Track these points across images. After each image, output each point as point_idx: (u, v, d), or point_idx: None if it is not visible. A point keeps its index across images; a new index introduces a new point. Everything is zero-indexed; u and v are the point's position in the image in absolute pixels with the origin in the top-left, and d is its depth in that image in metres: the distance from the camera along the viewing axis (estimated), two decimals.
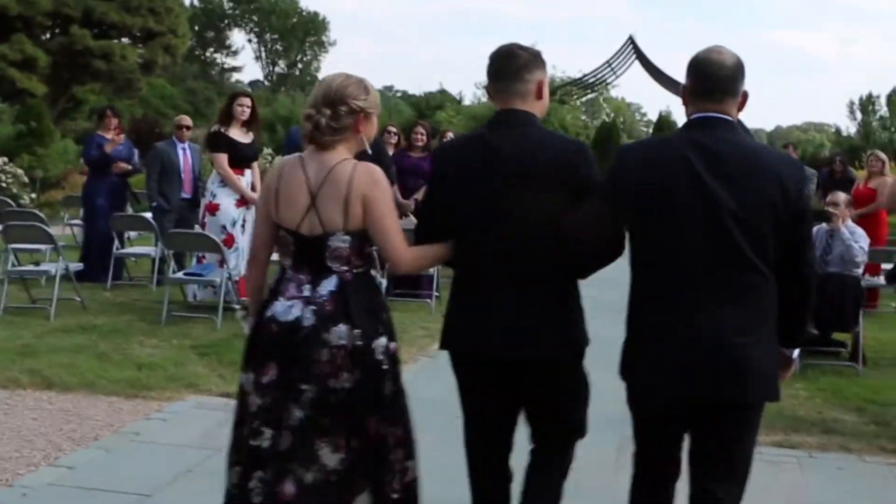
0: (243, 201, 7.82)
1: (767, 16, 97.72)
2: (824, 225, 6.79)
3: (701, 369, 2.57)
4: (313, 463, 2.83)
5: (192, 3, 55.08)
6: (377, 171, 2.92)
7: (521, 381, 2.94)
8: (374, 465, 2.91)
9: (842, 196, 6.93)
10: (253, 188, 7.96)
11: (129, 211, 10.29)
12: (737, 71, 2.71)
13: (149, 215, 9.49)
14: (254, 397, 2.90)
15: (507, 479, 3.11)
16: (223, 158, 7.71)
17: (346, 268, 2.92)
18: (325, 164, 2.90)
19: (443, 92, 23.74)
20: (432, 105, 21.42)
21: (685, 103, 2.75)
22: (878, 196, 9.23)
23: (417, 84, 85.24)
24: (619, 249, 2.85)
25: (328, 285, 2.90)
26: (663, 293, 2.65)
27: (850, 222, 6.84)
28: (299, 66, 63.50)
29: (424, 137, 9.30)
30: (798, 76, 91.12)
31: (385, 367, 2.92)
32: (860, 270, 6.60)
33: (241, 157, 7.81)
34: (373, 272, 3.06)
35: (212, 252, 7.60)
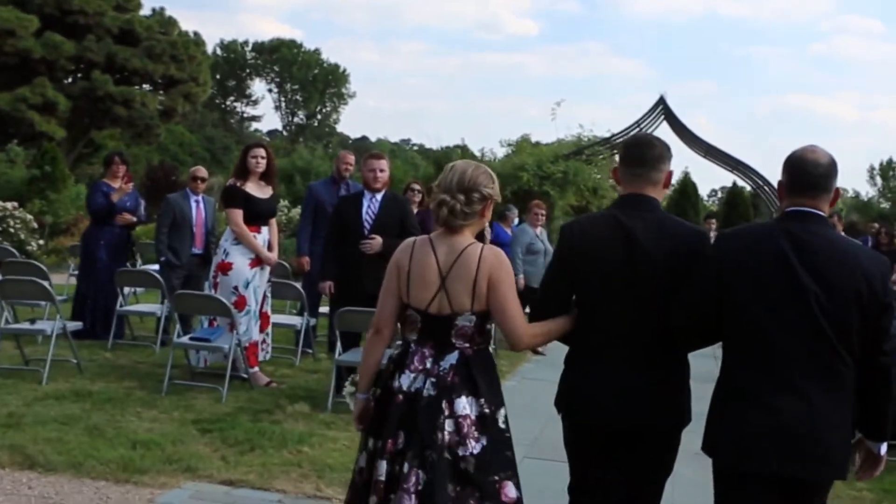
0: (258, 261, 7.26)
1: (783, 79, 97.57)
2: None
3: (783, 445, 2.76)
4: None
5: (214, 52, 55.59)
6: (502, 254, 3.19)
7: (625, 449, 3.14)
8: None
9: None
10: (269, 247, 7.40)
11: (138, 265, 9.76)
12: (830, 169, 2.93)
13: (155, 268, 8.95)
14: (383, 465, 3.07)
15: None
16: (238, 214, 7.16)
17: (468, 344, 3.17)
18: (454, 248, 3.16)
19: (463, 148, 23.39)
20: (453, 160, 21.03)
21: (780, 197, 3.03)
22: None
23: (435, 138, 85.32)
24: (712, 335, 3.04)
25: (450, 359, 3.14)
26: (752, 371, 2.84)
27: None
28: (318, 116, 63.75)
29: None
30: (812, 139, 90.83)
31: (507, 435, 3.15)
32: None
33: (258, 213, 7.26)
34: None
35: (221, 316, 7.02)
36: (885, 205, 38.55)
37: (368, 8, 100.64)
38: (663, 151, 3.25)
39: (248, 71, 61.93)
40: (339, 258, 6.90)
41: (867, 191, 41.49)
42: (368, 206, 6.88)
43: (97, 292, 8.75)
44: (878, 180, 41.29)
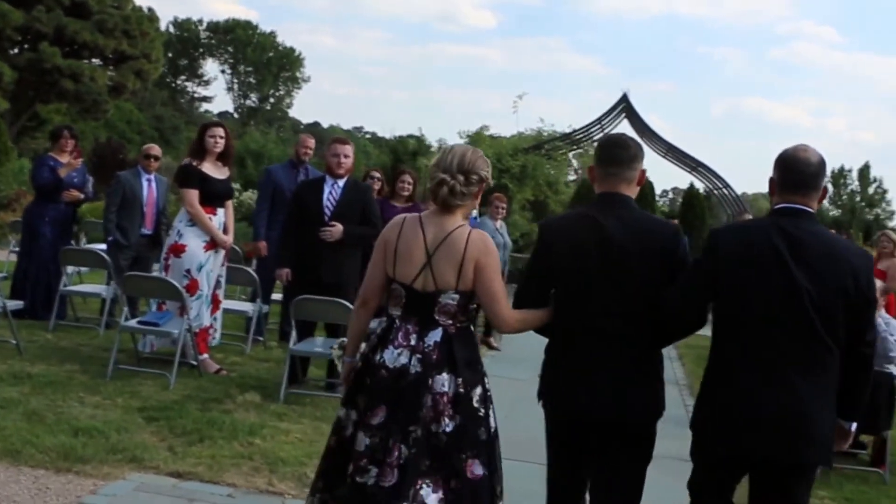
0: (212, 244, 7.00)
1: (740, 82, 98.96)
2: None
3: (769, 431, 2.92)
4: (416, 501, 3.06)
5: (167, 29, 54.46)
6: (489, 239, 3.31)
7: (603, 438, 3.22)
8: None
9: (878, 283, 6.27)
10: (225, 230, 7.15)
11: (82, 243, 9.40)
12: (820, 168, 3.08)
13: (101, 247, 8.62)
14: (362, 436, 3.17)
15: None
16: (194, 195, 6.89)
17: (451, 322, 3.26)
18: (443, 228, 3.26)
19: (417, 138, 23.17)
20: (409, 150, 20.80)
21: (771, 193, 3.14)
22: (888, 279, 8.65)
23: (389, 127, 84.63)
24: (701, 323, 3.21)
25: (434, 336, 3.23)
26: (742, 360, 2.99)
27: (884, 312, 6.19)
28: (271, 100, 62.86)
29: (411, 187, 8.57)
30: (765, 143, 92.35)
31: (481, 413, 3.23)
32: (894, 367, 5.92)
33: (214, 195, 7.00)
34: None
35: (172, 299, 6.76)
36: (836, 212, 39.23)
37: None
38: (637, 152, 3.37)
39: (201, 50, 60.74)
40: (297, 245, 6.70)
41: None
42: (330, 193, 6.69)
43: (39, 270, 8.38)
44: (830, 188, 42.06)
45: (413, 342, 3.24)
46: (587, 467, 3.35)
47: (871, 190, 37.36)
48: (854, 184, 38.37)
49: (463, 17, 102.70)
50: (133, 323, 6.79)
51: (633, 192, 3.33)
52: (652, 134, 20.16)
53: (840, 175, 41.39)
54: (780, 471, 3.01)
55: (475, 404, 3.23)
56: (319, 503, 3.35)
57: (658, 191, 37.50)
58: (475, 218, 11.01)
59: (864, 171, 38.97)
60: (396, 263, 3.31)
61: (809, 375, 2.95)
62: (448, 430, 3.15)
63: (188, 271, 6.87)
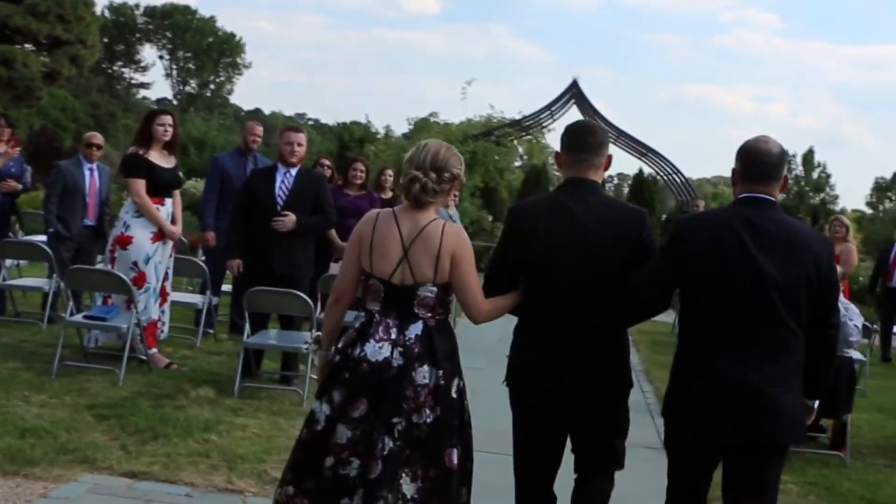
0: (160, 235, 6.79)
1: (683, 69, 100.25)
2: None
3: (742, 414, 3.00)
4: (396, 491, 3.15)
5: (103, 14, 53.13)
6: (463, 232, 3.39)
7: (577, 416, 3.31)
8: (447, 494, 3.23)
9: (837, 269, 6.35)
10: (173, 220, 6.94)
11: (20, 235, 9.08)
12: (781, 158, 3.18)
13: (41, 239, 8.32)
14: (343, 429, 3.21)
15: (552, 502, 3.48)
16: (141, 185, 6.67)
17: (430, 314, 3.31)
18: (418, 222, 3.30)
19: (358, 124, 22.98)
20: (356, 137, 20.60)
21: (734, 183, 3.23)
22: (842, 264, 8.80)
23: (333, 113, 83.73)
24: (666, 306, 3.32)
25: (415, 329, 3.27)
26: (711, 346, 3.07)
27: (842, 297, 6.26)
28: (211, 87, 61.80)
29: (364, 175, 8.44)
30: (708, 129, 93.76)
31: (459, 403, 3.32)
32: (853, 351, 6.00)
33: (161, 184, 6.79)
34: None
35: (119, 293, 6.54)
36: (781, 196, 39.95)
37: None
38: (604, 138, 3.48)
39: (138, 35, 59.35)
40: (248, 235, 6.54)
41: None
42: (282, 181, 6.54)
43: None
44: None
45: (394, 336, 3.27)
46: (558, 445, 3.42)
47: (814, 175, 38.11)
48: (798, 169, 39.01)
49: (405, 3, 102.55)
50: (78, 318, 6.57)
51: (599, 177, 3.42)
52: (602, 120, 20.28)
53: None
54: (753, 452, 3.09)
55: (453, 395, 3.30)
56: (285, 496, 3.34)
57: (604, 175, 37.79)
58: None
59: (809, 156, 39.62)
60: (373, 258, 3.34)
61: (776, 358, 3.03)
62: (429, 421, 3.22)
63: (135, 263, 6.66)
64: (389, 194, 9.50)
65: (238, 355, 6.41)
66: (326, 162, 9.17)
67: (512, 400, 3.44)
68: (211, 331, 8.14)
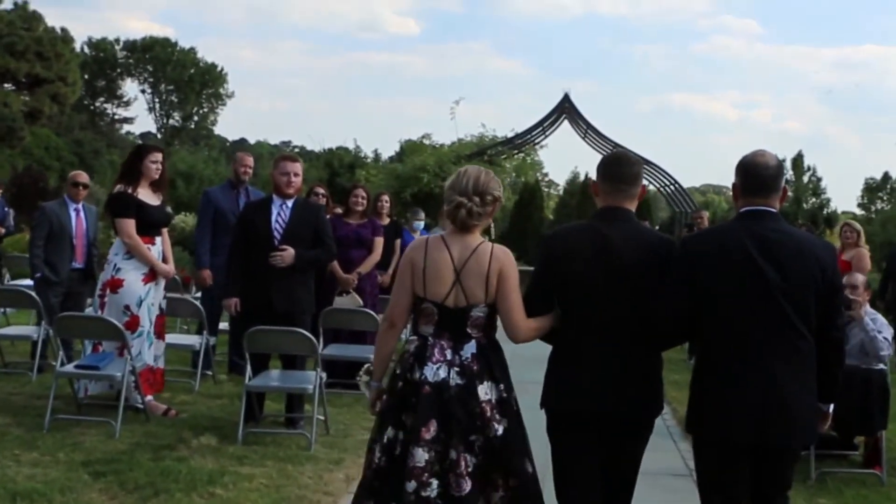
0: (152, 275, 6.48)
1: (664, 78, 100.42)
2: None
3: (756, 420, 3.14)
4: (487, 502, 3.35)
5: (82, 50, 52.81)
6: (510, 253, 3.56)
7: (615, 435, 3.43)
8: (528, 500, 3.39)
9: (860, 278, 6.08)
10: (164, 259, 6.63)
11: (6, 280, 8.74)
12: (779, 171, 3.34)
13: (28, 284, 7.99)
14: (420, 452, 3.33)
15: None
16: (130, 225, 6.36)
17: (481, 333, 3.50)
18: (468, 245, 3.49)
19: (345, 149, 22.72)
20: (345, 163, 20.32)
21: (736, 198, 3.41)
22: (853, 269, 8.54)
23: (318, 140, 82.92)
24: (688, 335, 3.54)
25: (469, 349, 3.45)
26: (727, 355, 3.22)
27: (869, 308, 5.99)
28: (195, 118, 61.50)
29: (365, 202, 8.15)
30: (694, 138, 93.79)
31: (520, 415, 3.51)
32: (884, 365, 5.71)
33: (151, 223, 6.48)
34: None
35: (112, 340, 6.22)
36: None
37: (245, 6, 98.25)
38: (640, 169, 3.62)
39: (119, 70, 58.95)
40: (245, 271, 6.24)
41: None
42: (279, 214, 6.23)
43: None
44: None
45: (449, 356, 3.45)
46: (596, 465, 3.50)
47: (805, 179, 37.92)
48: (789, 173, 38.80)
49: (385, 25, 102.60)
50: (70, 367, 6.22)
51: (633, 206, 3.55)
52: (597, 133, 20.08)
53: None
54: (768, 455, 3.24)
55: (515, 407, 3.51)
56: None
57: None
58: (425, 229, 10.67)
59: (798, 160, 39.39)
60: (426, 283, 3.49)
61: (788, 363, 3.18)
62: (500, 433, 3.39)
63: (127, 307, 6.34)
64: (387, 220, 9.23)
65: (239, 398, 6.10)
66: (321, 190, 8.88)
67: (550, 423, 3.53)
68: (209, 372, 7.81)
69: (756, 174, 3.31)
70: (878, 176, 40.86)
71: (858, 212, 39.72)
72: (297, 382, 6.17)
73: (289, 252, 6.13)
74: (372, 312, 7.47)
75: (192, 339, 7.92)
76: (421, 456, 3.34)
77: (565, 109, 19.92)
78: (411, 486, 3.33)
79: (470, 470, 3.34)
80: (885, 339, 5.70)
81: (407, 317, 3.63)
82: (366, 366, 4.04)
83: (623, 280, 3.35)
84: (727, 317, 3.22)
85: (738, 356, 3.19)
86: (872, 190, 40.64)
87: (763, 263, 3.16)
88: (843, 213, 37.62)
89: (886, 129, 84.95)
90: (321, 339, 7.13)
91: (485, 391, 3.42)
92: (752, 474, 3.27)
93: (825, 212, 35.70)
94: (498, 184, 3.59)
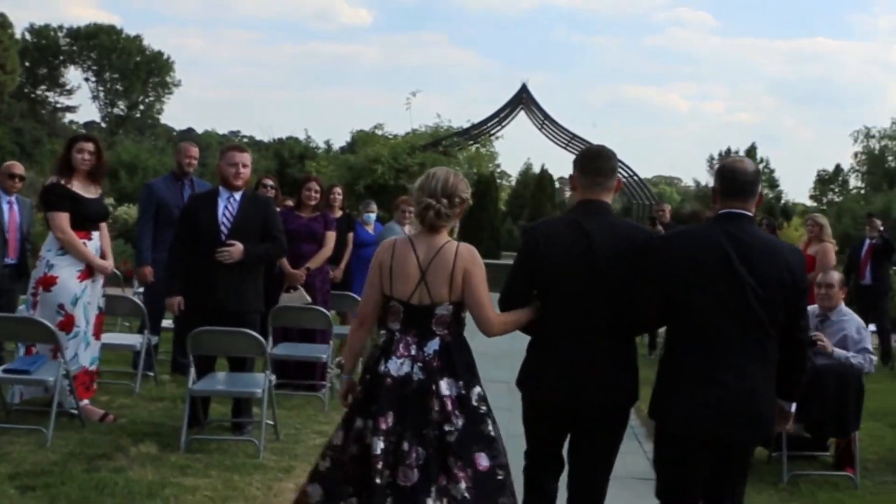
0: (88, 272, 6.07)
1: (618, 70, 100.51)
2: (814, 307, 5.78)
3: (723, 413, 3.28)
4: (445, 495, 3.41)
5: (23, 37, 51.31)
6: (475, 251, 3.66)
7: (588, 421, 3.58)
8: (486, 493, 3.49)
9: (836, 276, 5.92)
10: (103, 255, 6.23)
11: None
12: (756, 177, 3.51)
13: None
14: (377, 441, 3.46)
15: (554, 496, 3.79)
16: (64, 219, 5.95)
17: (447, 331, 3.61)
18: (433, 246, 3.62)
19: (295, 139, 22.23)
20: (296, 153, 19.85)
21: (714, 201, 3.58)
22: (818, 264, 8.43)
23: (267, 130, 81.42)
24: (664, 321, 3.56)
25: (433, 345, 3.58)
26: (699, 351, 3.35)
27: (843, 306, 5.83)
28: (141, 107, 60.20)
29: (319, 195, 7.80)
30: (646, 130, 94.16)
31: (482, 410, 3.60)
32: (859, 364, 5.53)
33: (87, 217, 6.07)
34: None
35: (45, 342, 5.81)
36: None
37: None
38: (616, 163, 3.75)
39: (61, 58, 57.44)
40: (190, 268, 5.88)
41: (707, 180, 42.61)
42: (226, 207, 5.89)
43: None
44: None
45: (413, 352, 3.58)
46: (561, 447, 3.75)
47: None
48: None
49: (337, 15, 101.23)
50: None
51: (610, 199, 3.70)
52: (553, 123, 19.88)
53: (727, 157, 42.15)
54: (733, 448, 3.41)
55: (475, 403, 3.57)
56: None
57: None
58: (379, 222, 10.34)
59: (751, 152, 39.88)
60: (393, 282, 3.63)
61: (756, 360, 3.33)
62: (457, 428, 3.49)
63: (62, 306, 5.93)
64: (339, 213, 8.91)
65: (182, 400, 5.76)
66: (270, 182, 8.50)
67: (524, 405, 3.73)
68: (151, 373, 7.42)
69: (735, 179, 3.46)
70: (830, 168, 41.48)
71: (810, 203, 40.28)
72: (246, 386, 5.84)
73: (236, 248, 5.79)
74: (323, 310, 7.16)
75: (133, 339, 7.52)
76: (377, 445, 3.47)
77: (522, 100, 19.71)
78: (372, 472, 3.47)
79: (420, 462, 3.44)
80: (871, 358, 5.55)
81: (375, 315, 3.75)
82: (338, 359, 4.26)
83: (602, 271, 3.48)
84: (701, 314, 3.34)
85: (710, 353, 3.32)
86: (824, 182, 41.22)
87: (738, 265, 3.30)
88: (794, 204, 38.09)
89: (838, 122, 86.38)
90: (270, 339, 6.81)
91: (445, 387, 3.53)
92: (713, 467, 3.42)
93: (781, 203, 36.12)
94: (466, 185, 3.72)
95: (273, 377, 5.79)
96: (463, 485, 3.46)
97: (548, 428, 3.69)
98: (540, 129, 20.14)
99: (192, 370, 5.70)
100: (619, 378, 3.54)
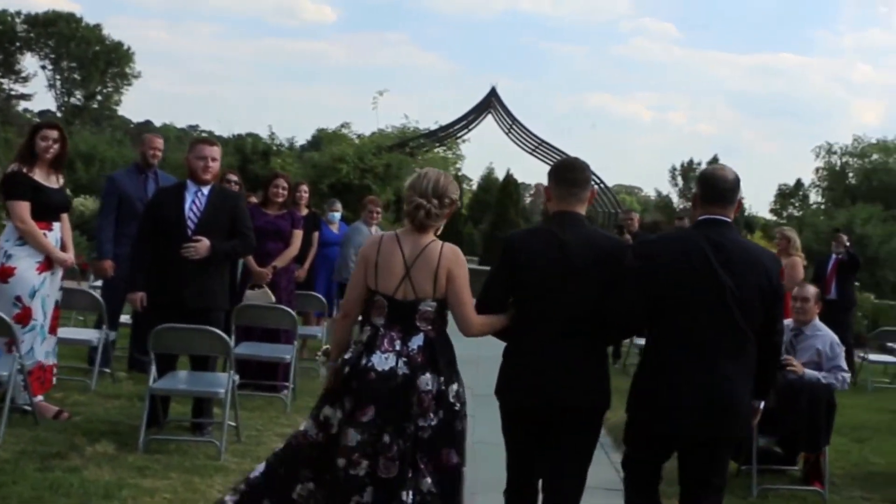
0: (47, 264, 5.87)
1: (583, 78, 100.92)
2: (789, 321, 5.79)
3: (703, 411, 3.42)
4: (415, 488, 3.54)
5: None
6: (459, 251, 3.76)
7: (563, 422, 3.66)
8: (450, 489, 3.63)
9: (811, 290, 5.93)
10: (63, 246, 6.03)
11: None
12: (736, 184, 3.62)
13: None
14: (353, 433, 3.58)
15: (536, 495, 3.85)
16: (24, 208, 5.74)
17: (430, 327, 3.70)
18: (418, 244, 3.71)
19: (255, 135, 21.95)
20: (259, 150, 19.60)
21: (694, 206, 3.73)
22: (785, 278, 8.45)
23: (227, 125, 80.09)
24: (642, 328, 3.74)
25: (417, 341, 3.67)
26: (676, 350, 3.49)
27: (818, 321, 5.84)
28: (98, 98, 59.22)
29: (286, 192, 7.65)
30: (608, 138, 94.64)
31: (457, 408, 3.70)
32: (831, 384, 5.53)
33: (48, 207, 5.88)
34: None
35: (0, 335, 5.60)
36: (687, 204, 40.35)
37: None
38: (590, 174, 3.86)
39: (18, 45, 56.32)
40: (154, 263, 5.72)
41: (669, 191, 43.01)
42: (193, 202, 5.73)
43: None
44: (680, 181, 42.66)
45: (398, 347, 3.66)
46: (541, 453, 3.77)
47: None
48: None
49: (301, 12, 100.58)
50: None
51: (584, 209, 3.82)
52: (520, 128, 19.89)
53: (689, 168, 42.40)
54: (711, 444, 3.54)
55: (451, 399, 3.68)
56: (307, 491, 3.71)
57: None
58: (343, 222, 10.23)
59: (713, 163, 40.50)
60: (378, 277, 3.72)
61: (734, 360, 3.47)
62: (433, 423, 3.61)
63: (19, 298, 5.72)
64: (305, 211, 8.78)
65: (140, 398, 5.62)
66: (234, 178, 8.32)
67: (502, 411, 3.81)
68: (108, 370, 7.21)
69: (715, 186, 3.61)
70: (791, 182, 41.99)
71: (770, 217, 40.77)
72: (208, 385, 5.69)
73: (203, 243, 5.64)
74: (288, 309, 7.03)
75: (90, 334, 7.31)
76: (353, 437, 3.58)
77: (491, 103, 19.67)
78: (341, 462, 3.59)
79: (400, 455, 3.56)
80: (844, 377, 5.56)
81: (359, 308, 3.83)
82: (324, 347, 4.14)
83: (577, 281, 3.60)
84: (682, 317, 3.49)
85: (691, 354, 3.46)
86: (785, 196, 41.72)
87: (719, 269, 3.44)
88: (754, 217, 38.51)
89: (799, 137, 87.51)
90: (232, 337, 6.66)
91: (426, 382, 3.62)
92: (693, 464, 3.61)
93: (745, 214, 36.56)
94: (455, 187, 3.83)
95: (237, 377, 5.65)
96: (429, 479, 3.59)
97: (526, 434, 3.76)
98: (507, 134, 20.15)
99: (154, 368, 5.53)
100: (595, 382, 3.66)
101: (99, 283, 8.08)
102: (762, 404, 3.79)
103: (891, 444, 7.03)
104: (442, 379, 3.65)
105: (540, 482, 3.84)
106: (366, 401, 3.60)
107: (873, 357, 10.63)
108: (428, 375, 3.63)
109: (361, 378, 3.63)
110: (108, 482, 4.69)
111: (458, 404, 3.71)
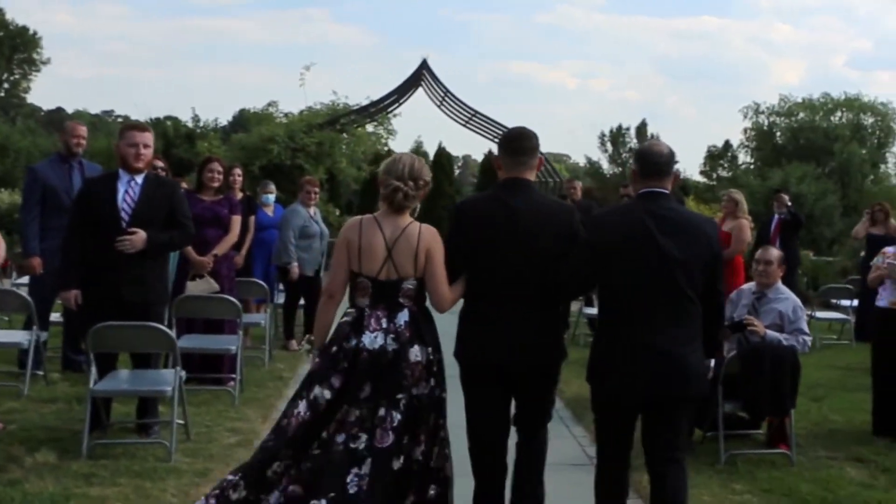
0: None
1: (505, 47, 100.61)
2: (752, 284, 5.73)
3: (656, 373, 3.62)
4: (405, 455, 3.77)
5: None
6: (436, 231, 3.97)
7: (518, 381, 3.97)
8: (440, 452, 3.91)
9: (775, 253, 5.86)
10: None
11: None
12: (671, 158, 3.84)
13: None
14: (353, 410, 3.79)
15: (504, 465, 4.04)
16: None
17: (412, 303, 3.92)
18: (398, 225, 3.92)
19: (173, 118, 21.32)
20: (183, 133, 18.98)
21: (633, 181, 3.93)
22: (733, 241, 8.47)
23: (144, 109, 77.49)
24: (591, 287, 4.38)
25: (403, 317, 3.88)
26: (627, 317, 3.69)
27: (780, 284, 5.80)
28: (5, 86, 56.93)
29: (221, 177, 7.32)
30: (532, 107, 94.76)
31: (441, 376, 3.95)
32: (792, 346, 5.50)
33: None
34: None
35: None
36: (617, 170, 40.43)
37: None
38: (537, 142, 4.06)
39: None
40: (86, 258, 5.39)
41: (599, 157, 42.98)
42: (126, 192, 5.40)
43: None
44: (609, 147, 42.75)
45: (385, 325, 3.83)
46: (504, 409, 3.99)
47: None
48: (633, 142, 39.76)
49: None
50: None
51: (533, 176, 4.03)
52: (453, 99, 19.64)
53: (618, 134, 42.32)
54: (667, 405, 3.70)
55: (434, 368, 3.88)
56: (283, 470, 3.77)
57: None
58: (278, 204, 9.91)
59: (642, 128, 40.57)
60: (361, 260, 3.89)
61: (681, 324, 3.65)
62: (426, 392, 3.82)
63: None
64: (240, 195, 8.46)
65: (77, 400, 5.34)
66: (160, 164, 7.89)
67: (463, 372, 4.00)
68: (41, 372, 6.83)
69: (651, 160, 3.78)
70: (720, 144, 42.44)
71: (701, 179, 41.22)
72: (154, 384, 5.41)
73: (138, 236, 5.32)
74: (232, 298, 6.76)
75: (19, 335, 6.91)
76: (353, 412, 3.76)
77: (422, 76, 19.36)
78: (340, 437, 3.75)
79: (394, 425, 3.73)
80: (805, 340, 5.53)
81: (343, 290, 3.99)
82: (307, 335, 4.29)
83: (527, 244, 3.82)
84: (628, 285, 3.66)
85: (638, 321, 3.64)
86: (714, 157, 42.17)
87: (661, 238, 3.61)
88: (687, 180, 38.92)
89: (724, 99, 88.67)
90: (174, 331, 6.35)
91: (415, 354, 3.81)
92: (653, 425, 3.75)
93: (681, 178, 36.88)
94: (428, 170, 4.03)
95: (183, 373, 5.37)
96: (422, 448, 3.81)
97: (486, 389, 3.94)
98: (439, 106, 19.88)
99: (94, 369, 5.21)
100: (548, 340, 3.92)
101: (24, 280, 7.65)
102: (712, 363, 4.05)
103: (846, 401, 7.13)
104: (430, 349, 3.85)
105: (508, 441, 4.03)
106: (362, 379, 3.78)
107: (820, 315, 10.77)
108: (416, 347, 3.82)
109: (353, 358, 3.81)
110: (52, 493, 4.42)
111: (441, 373, 3.93)
